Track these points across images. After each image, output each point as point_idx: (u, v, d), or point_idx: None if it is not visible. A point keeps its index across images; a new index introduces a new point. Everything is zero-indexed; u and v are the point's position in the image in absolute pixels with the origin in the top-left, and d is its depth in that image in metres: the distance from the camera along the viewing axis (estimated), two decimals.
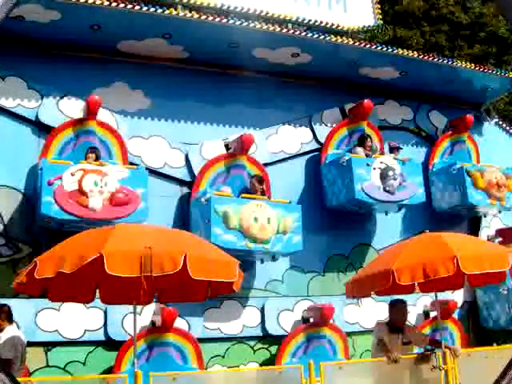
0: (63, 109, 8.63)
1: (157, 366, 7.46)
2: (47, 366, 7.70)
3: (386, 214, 10.10)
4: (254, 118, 9.80)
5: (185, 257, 4.84)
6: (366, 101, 10.13)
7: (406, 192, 9.69)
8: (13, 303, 6.40)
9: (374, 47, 9.83)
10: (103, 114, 8.71)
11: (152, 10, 8.28)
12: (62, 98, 8.65)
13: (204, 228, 8.34)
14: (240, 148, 9.15)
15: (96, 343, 7.97)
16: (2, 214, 8.09)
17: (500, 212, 11.10)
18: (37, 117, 8.48)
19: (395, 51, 9.99)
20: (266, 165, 9.58)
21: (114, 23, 8.46)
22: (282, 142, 9.97)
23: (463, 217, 11.03)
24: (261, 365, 8.73)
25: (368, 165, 9.51)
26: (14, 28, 8.24)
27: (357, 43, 9.74)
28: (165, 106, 9.31)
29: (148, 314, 8.06)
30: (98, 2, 7.93)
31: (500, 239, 10.62)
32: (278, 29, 9.19)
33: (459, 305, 10.17)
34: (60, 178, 7.72)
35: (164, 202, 8.85)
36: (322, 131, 10.25)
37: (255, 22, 9.06)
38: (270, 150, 9.82)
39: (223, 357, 8.69)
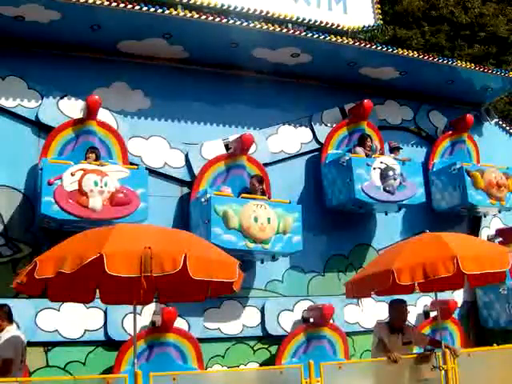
0: (63, 109, 8.63)
1: (157, 366, 7.45)
2: (47, 365, 7.70)
3: (386, 214, 10.10)
4: (253, 118, 9.79)
5: (185, 257, 4.84)
6: (366, 101, 10.13)
7: (406, 192, 9.69)
8: (13, 303, 6.39)
9: (373, 47, 9.83)
10: (103, 114, 8.70)
11: (152, 9, 8.27)
12: (62, 98, 8.65)
13: (204, 228, 8.34)
14: (240, 148, 9.15)
15: (96, 343, 7.97)
16: (2, 214, 8.09)
17: (500, 212, 11.10)
18: (37, 117, 8.47)
19: (395, 51, 9.98)
20: (265, 165, 9.57)
21: (114, 23, 8.46)
22: (282, 141, 9.97)
23: (463, 217, 11.03)
24: (261, 365, 8.73)
25: (368, 165, 9.51)
26: (14, 28, 8.26)
27: (357, 43, 9.73)
28: (165, 106, 9.30)
29: (148, 314, 8.07)
30: (98, 2, 7.93)
31: (500, 239, 10.64)
32: (278, 29, 9.18)
33: (459, 305, 10.18)
34: (60, 178, 7.71)
35: (164, 202, 8.85)
36: (322, 131, 10.24)
37: (255, 22, 9.06)
38: (270, 149, 9.82)
39: (223, 357, 8.69)
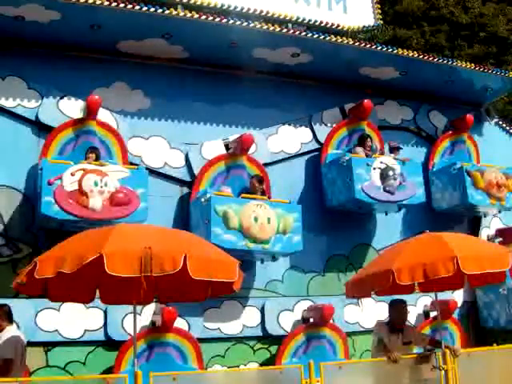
0: (63, 109, 8.63)
1: (157, 366, 7.46)
2: (47, 365, 7.71)
3: (386, 214, 10.10)
4: (253, 118, 9.79)
5: (185, 257, 4.83)
6: (365, 101, 10.14)
7: (406, 192, 9.69)
8: (13, 303, 6.39)
9: (373, 47, 9.83)
10: (103, 114, 8.71)
11: (152, 9, 8.27)
12: (62, 98, 8.65)
13: (204, 228, 8.34)
14: (240, 148, 9.15)
15: (96, 343, 7.98)
16: (2, 214, 8.09)
17: (500, 212, 11.10)
18: (37, 117, 8.47)
19: (395, 51, 9.99)
20: (265, 165, 9.58)
21: (114, 23, 8.46)
22: (282, 141, 9.97)
23: (463, 217, 11.03)
24: (261, 365, 8.73)
25: (368, 165, 9.51)
26: (14, 28, 8.26)
27: (357, 43, 9.74)
28: (165, 106, 9.31)
29: (148, 314, 8.07)
30: (98, 2, 7.93)
31: (500, 239, 10.64)
32: (278, 29, 9.18)
33: (459, 305, 10.18)
34: (60, 178, 7.71)
35: (164, 202, 8.85)
36: (322, 131, 10.25)
37: (255, 22, 9.06)
38: (270, 149, 9.82)
39: (223, 357, 8.69)
